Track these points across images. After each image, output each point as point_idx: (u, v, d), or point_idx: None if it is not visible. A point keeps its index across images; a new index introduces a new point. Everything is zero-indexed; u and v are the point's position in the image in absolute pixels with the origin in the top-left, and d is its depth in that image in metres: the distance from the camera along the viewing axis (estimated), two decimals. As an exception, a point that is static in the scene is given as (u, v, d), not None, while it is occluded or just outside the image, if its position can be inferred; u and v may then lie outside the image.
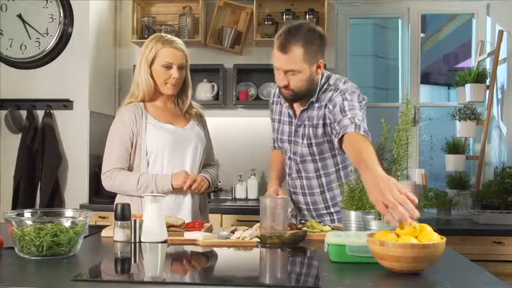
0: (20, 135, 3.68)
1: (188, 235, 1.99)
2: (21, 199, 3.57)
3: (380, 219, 1.82)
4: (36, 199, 3.63)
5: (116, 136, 2.38)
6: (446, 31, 7.75)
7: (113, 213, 2.00)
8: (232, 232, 2.05)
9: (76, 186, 3.70)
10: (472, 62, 4.32)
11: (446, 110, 4.28)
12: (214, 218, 3.53)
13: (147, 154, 2.35)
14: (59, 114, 3.74)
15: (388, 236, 1.51)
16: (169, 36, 2.45)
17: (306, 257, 1.76)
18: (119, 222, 1.98)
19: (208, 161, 2.57)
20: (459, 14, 5.07)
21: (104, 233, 2.11)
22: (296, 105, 2.33)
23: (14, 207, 3.52)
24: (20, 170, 3.62)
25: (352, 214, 1.92)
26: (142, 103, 2.42)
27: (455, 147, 4.00)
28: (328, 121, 2.22)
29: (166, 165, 2.36)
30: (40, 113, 3.73)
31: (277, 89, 2.39)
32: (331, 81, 2.27)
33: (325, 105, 2.22)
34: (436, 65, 8.69)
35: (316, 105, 2.26)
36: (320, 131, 2.26)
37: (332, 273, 1.51)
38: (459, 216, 3.77)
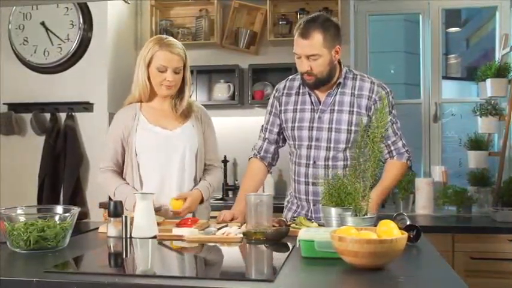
0: (44, 137, 3.86)
1: (176, 231, 2.07)
2: (46, 197, 3.75)
3: (356, 215, 1.84)
4: (59, 197, 3.80)
5: (109, 136, 2.52)
6: (492, 25, 7.53)
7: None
8: (220, 228, 2.11)
9: (97, 185, 3.81)
10: (496, 56, 4.21)
11: (473, 106, 4.14)
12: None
13: (136, 155, 2.44)
14: (80, 116, 3.89)
15: (349, 231, 1.53)
16: (168, 38, 2.48)
17: (282, 252, 1.80)
18: (112, 218, 2.08)
19: (210, 161, 2.60)
20: (481, 8, 4.95)
21: (101, 229, 2.21)
22: (321, 93, 2.45)
23: (39, 205, 3.70)
24: (44, 170, 3.80)
25: (332, 210, 1.94)
26: (139, 104, 2.51)
27: (478, 144, 3.92)
28: (358, 109, 2.40)
29: (154, 167, 2.44)
30: (62, 116, 3.89)
31: (288, 82, 2.57)
32: (355, 72, 2.50)
33: (359, 94, 2.41)
34: (481, 59, 8.45)
35: (347, 91, 2.42)
36: (344, 116, 2.39)
37: (294, 268, 1.55)
38: (479, 214, 3.69)
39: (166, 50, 2.41)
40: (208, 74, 4.20)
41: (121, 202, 2.12)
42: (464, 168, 4.35)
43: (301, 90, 2.50)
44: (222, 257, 1.82)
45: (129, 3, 4.03)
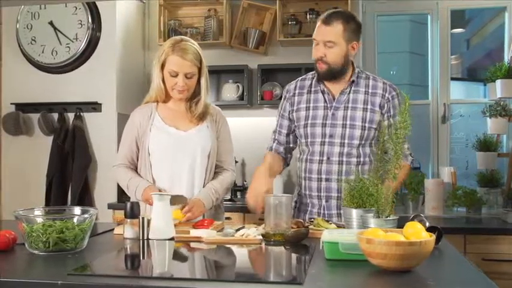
0: (51, 137, 3.84)
1: (194, 232, 2.05)
2: (53, 198, 3.74)
3: (378, 217, 1.82)
4: (67, 198, 3.78)
5: (124, 136, 2.52)
6: (494, 25, 7.51)
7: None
8: (238, 230, 2.09)
9: (105, 185, 3.82)
10: (505, 57, 4.20)
11: (481, 107, 4.12)
12: (237, 216, 3.58)
13: (149, 155, 2.42)
14: (89, 117, 3.88)
15: (376, 233, 1.51)
16: (184, 42, 2.42)
17: (303, 254, 1.78)
18: (128, 220, 2.05)
19: (223, 164, 2.55)
20: (496, 8, 4.93)
21: (116, 230, 2.19)
22: (334, 90, 2.48)
23: (46, 205, 3.68)
24: (52, 170, 3.78)
25: (353, 212, 1.92)
26: (155, 103, 2.50)
27: (487, 145, 3.90)
28: (371, 107, 2.44)
29: (165, 167, 2.42)
30: (71, 116, 3.88)
31: (299, 82, 2.59)
32: (368, 73, 2.55)
33: (373, 92, 2.46)
34: (483, 60, 8.42)
35: (360, 89, 2.46)
36: (358, 113, 2.42)
37: (321, 270, 1.53)
38: (489, 215, 3.67)
39: (178, 55, 2.36)
40: (217, 74, 4.18)
41: (137, 203, 2.09)
42: (471, 169, 4.34)
43: (313, 89, 2.53)
44: (244, 259, 1.80)
45: (144, 2, 4.02)
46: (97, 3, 3.84)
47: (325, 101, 2.48)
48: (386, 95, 2.45)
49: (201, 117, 2.48)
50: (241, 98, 4.08)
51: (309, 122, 2.48)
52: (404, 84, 6.89)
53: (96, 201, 3.82)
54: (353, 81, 2.47)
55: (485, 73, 4.01)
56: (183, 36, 2.50)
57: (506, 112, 3.82)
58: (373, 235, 1.49)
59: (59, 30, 3.87)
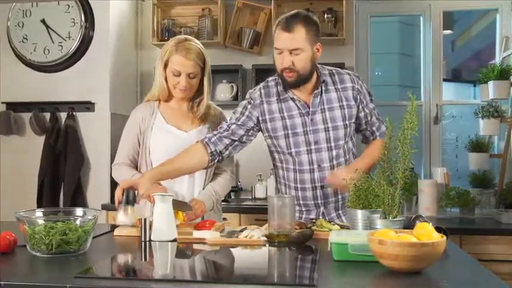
0: (43, 137, 3.79)
1: (196, 234, 2.02)
2: (45, 198, 3.68)
3: (385, 217, 1.81)
4: (59, 198, 3.73)
5: (125, 133, 2.49)
6: (479, 27, 7.59)
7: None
8: (241, 231, 2.07)
9: (98, 186, 3.78)
10: (496, 59, 4.24)
11: (472, 108, 4.16)
12: (233, 217, 3.56)
13: (149, 153, 2.41)
14: (81, 116, 3.83)
15: (388, 234, 1.50)
16: (188, 41, 2.40)
17: (310, 255, 1.77)
18: (123, 206, 2.07)
19: (222, 165, 2.53)
20: (482, 10, 4.97)
21: (117, 232, 2.16)
22: (303, 95, 2.37)
23: (38, 206, 3.62)
24: (44, 171, 3.73)
25: (359, 213, 1.91)
26: (157, 102, 2.48)
27: (479, 146, 3.93)
28: (347, 103, 2.38)
29: None
30: (63, 115, 3.83)
31: (262, 90, 2.42)
32: (327, 67, 2.45)
33: (343, 87, 2.39)
34: (468, 62, 8.51)
35: (330, 87, 2.38)
36: (337, 113, 2.37)
37: (331, 272, 1.51)
38: (482, 216, 3.69)
39: (181, 55, 2.35)
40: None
41: (134, 192, 2.09)
42: (462, 169, 4.37)
43: (281, 97, 2.39)
44: (251, 260, 1.78)
45: (143, 0, 3.99)
46: (90, 1, 3.80)
47: (298, 108, 2.37)
48: (356, 86, 2.39)
49: (203, 118, 2.47)
50: (235, 98, 4.06)
51: (289, 132, 2.37)
52: (395, 85, 6.93)
53: (89, 202, 3.77)
54: (323, 81, 2.37)
55: (475, 74, 4.05)
56: (187, 36, 2.48)
57: (499, 113, 3.86)
58: (385, 236, 1.49)
59: (51, 29, 3.82)
